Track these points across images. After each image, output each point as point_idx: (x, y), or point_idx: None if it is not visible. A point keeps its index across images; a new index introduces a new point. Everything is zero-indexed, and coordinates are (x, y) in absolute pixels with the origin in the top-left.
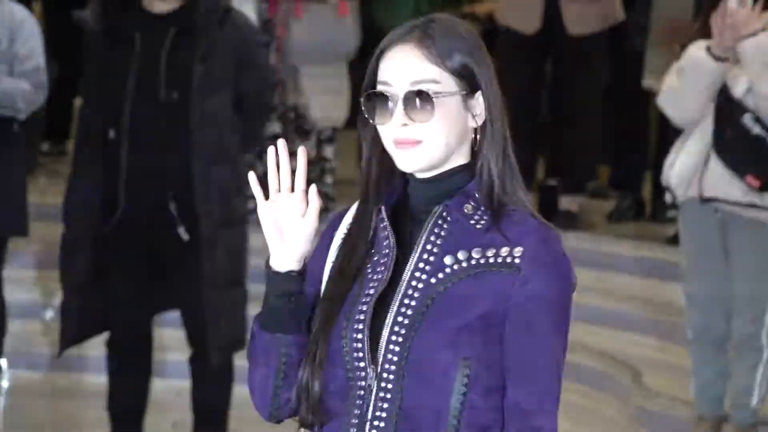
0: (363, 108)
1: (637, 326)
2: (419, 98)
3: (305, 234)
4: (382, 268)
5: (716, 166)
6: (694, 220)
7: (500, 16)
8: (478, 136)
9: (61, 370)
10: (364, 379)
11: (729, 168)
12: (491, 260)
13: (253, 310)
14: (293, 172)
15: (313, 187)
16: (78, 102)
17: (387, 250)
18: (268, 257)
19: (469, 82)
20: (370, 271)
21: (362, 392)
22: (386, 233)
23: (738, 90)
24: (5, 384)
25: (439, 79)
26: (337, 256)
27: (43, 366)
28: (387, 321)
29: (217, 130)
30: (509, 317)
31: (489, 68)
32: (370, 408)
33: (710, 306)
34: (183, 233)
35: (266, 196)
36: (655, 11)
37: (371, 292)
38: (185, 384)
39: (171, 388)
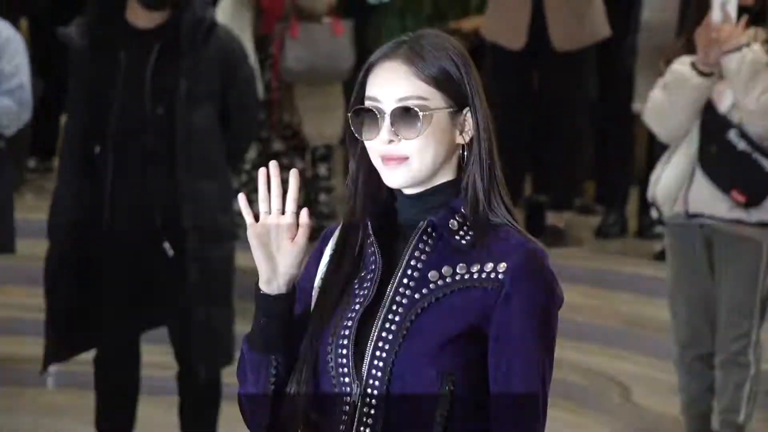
0: (350, 123)
1: (626, 343)
2: (406, 115)
3: (294, 259)
4: (369, 284)
5: (702, 181)
6: (680, 236)
7: (486, 32)
8: (465, 152)
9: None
10: (350, 394)
11: (714, 184)
12: (475, 276)
13: (240, 324)
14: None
15: (305, 211)
16: (64, 119)
17: (373, 266)
18: (257, 279)
19: (456, 99)
20: (357, 286)
21: (347, 407)
22: (373, 248)
23: (723, 105)
24: None
25: (427, 96)
26: (325, 272)
27: None
28: (371, 336)
29: (202, 144)
30: (493, 333)
31: (477, 84)
32: (355, 423)
33: (696, 322)
34: (168, 248)
35: (256, 219)
36: (643, 32)
37: (356, 307)
38: (173, 400)
39: (159, 405)
